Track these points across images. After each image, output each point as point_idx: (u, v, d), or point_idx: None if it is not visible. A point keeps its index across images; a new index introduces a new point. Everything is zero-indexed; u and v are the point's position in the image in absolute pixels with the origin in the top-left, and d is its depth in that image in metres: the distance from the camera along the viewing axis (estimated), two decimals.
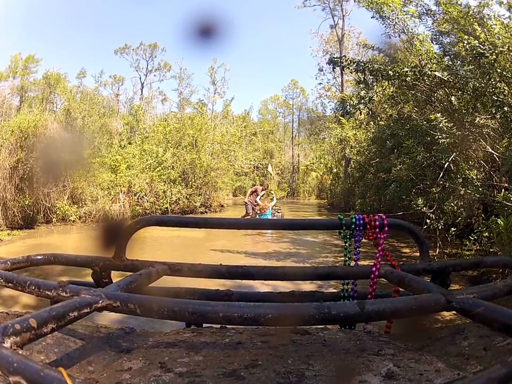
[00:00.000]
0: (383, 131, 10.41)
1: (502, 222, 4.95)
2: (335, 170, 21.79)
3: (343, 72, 22.66)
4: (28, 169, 10.67)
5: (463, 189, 6.32)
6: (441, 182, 6.68)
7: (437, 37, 6.84)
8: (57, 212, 11.67)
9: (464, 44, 5.76)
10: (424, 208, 6.63)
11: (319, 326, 0.86)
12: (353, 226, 1.03)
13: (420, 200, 6.70)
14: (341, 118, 15.60)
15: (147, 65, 36.65)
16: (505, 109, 5.64)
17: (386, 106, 10.43)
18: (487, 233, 5.75)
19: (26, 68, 27.68)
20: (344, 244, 1.07)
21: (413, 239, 1.11)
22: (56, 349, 0.75)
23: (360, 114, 12.58)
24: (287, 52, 69.14)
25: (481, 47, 5.55)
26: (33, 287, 0.79)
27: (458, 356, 0.76)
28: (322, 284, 3.78)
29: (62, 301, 0.64)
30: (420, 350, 0.79)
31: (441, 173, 6.67)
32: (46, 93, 25.96)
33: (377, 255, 1.01)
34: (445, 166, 6.57)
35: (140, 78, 36.69)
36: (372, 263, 1.01)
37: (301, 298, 1.04)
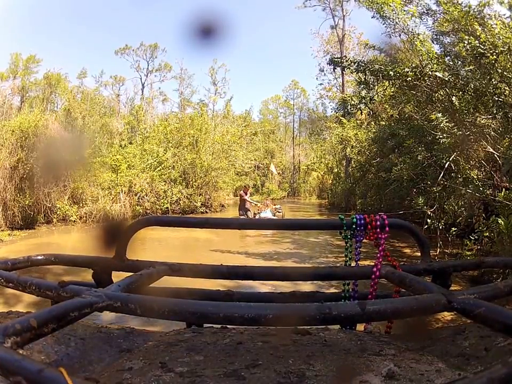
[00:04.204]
0: (384, 131, 10.41)
1: (502, 222, 4.94)
2: (336, 170, 21.73)
3: (344, 72, 22.65)
4: (28, 169, 10.66)
5: (464, 188, 6.30)
6: (442, 182, 6.67)
7: (438, 36, 6.82)
8: (58, 212, 11.66)
9: (465, 44, 5.73)
10: (425, 207, 6.62)
11: (319, 326, 0.86)
12: (354, 226, 1.03)
13: (421, 199, 6.68)
14: (341, 118, 15.62)
15: (148, 65, 36.51)
16: (506, 109, 5.63)
17: (387, 106, 10.43)
18: (487, 233, 5.73)
19: (27, 68, 27.55)
20: (345, 244, 1.07)
21: (414, 239, 1.10)
22: (57, 349, 0.75)
23: (361, 114, 12.64)
24: (287, 52, 68.83)
25: (482, 47, 5.52)
26: (33, 287, 0.79)
27: (459, 356, 0.76)
28: (323, 284, 3.77)
29: (63, 301, 0.64)
30: (421, 350, 0.79)
31: (442, 173, 6.65)
32: (47, 93, 25.84)
33: (378, 255, 1.01)
34: (446, 165, 6.56)
35: (141, 79, 36.57)
36: (373, 263, 1.01)
37: (302, 298, 1.03)
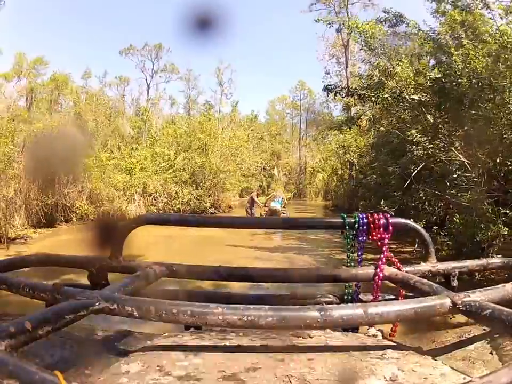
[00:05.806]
0: (380, 138, 11.10)
1: (457, 219, 5.58)
2: (340, 172, 21.61)
3: (348, 77, 22.83)
4: (51, 170, 10.75)
5: (436, 191, 6.82)
6: (420, 187, 7.22)
7: (419, 58, 7.24)
8: (77, 211, 11.79)
9: (428, 79, 6.35)
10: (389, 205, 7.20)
11: (321, 329, 0.82)
12: (356, 226, 0.97)
13: (385, 201, 7.41)
14: (343, 126, 15.83)
15: (153, 66, 34.65)
16: (466, 127, 6.14)
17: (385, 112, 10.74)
18: (453, 229, 6.15)
19: (34, 69, 26.75)
20: (347, 244, 1.01)
21: (418, 239, 1.06)
22: (52, 352, 0.71)
23: (361, 121, 13.31)
24: (294, 51, 67.12)
25: (443, 80, 6.12)
26: (27, 289, 0.76)
27: (464, 359, 0.73)
28: (324, 286, 3.71)
29: (58, 303, 0.61)
30: (425, 354, 0.75)
31: (409, 181, 7.33)
32: (55, 95, 25.26)
33: (382, 256, 0.95)
34: (413, 174, 7.22)
35: (146, 79, 34.88)
36: (375, 264, 0.96)
37: (303, 300, 0.99)
